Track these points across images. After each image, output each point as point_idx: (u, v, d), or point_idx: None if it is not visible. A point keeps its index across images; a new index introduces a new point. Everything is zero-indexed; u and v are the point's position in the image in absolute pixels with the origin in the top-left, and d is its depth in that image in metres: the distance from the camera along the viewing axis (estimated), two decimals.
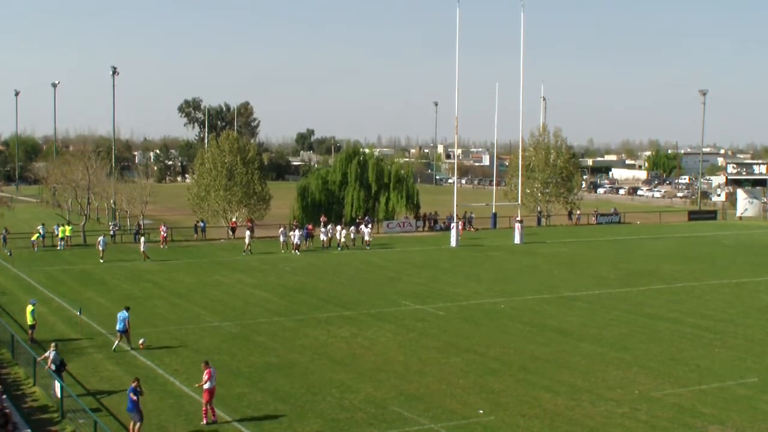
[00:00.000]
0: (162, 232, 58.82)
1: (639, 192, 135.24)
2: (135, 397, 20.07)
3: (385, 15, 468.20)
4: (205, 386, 21.23)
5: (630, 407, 22.55)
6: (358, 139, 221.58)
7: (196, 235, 63.07)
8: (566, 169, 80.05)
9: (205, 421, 21.06)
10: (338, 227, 59.24)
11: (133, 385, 20.40)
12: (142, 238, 53.24)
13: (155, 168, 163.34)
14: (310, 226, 60.85)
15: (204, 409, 21.23)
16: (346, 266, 49.20)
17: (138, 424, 20.08)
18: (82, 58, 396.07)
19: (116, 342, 28.61)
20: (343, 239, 57.67)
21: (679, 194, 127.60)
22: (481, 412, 22.11)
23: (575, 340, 30.41)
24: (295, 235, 55.49)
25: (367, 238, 58.52)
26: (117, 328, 28.65)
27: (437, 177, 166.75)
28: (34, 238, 56.30)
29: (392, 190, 71.94)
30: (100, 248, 51.05)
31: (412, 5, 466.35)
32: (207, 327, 32.27)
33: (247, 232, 56.61)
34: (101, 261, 49.91)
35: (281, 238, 56.87)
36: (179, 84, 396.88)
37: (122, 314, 28.78)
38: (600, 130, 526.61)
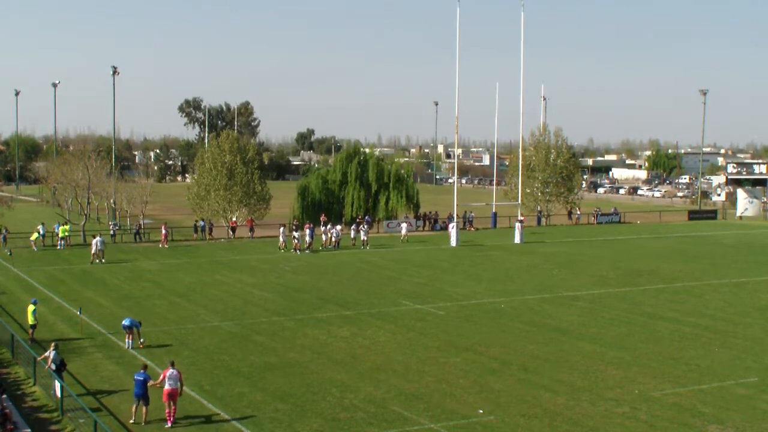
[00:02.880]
0: (163, 231, 58.72)
1: (639, 192, 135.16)
2: (150, 382, 21.43)
3: (385, 15, 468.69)
4: (164, 387, 21.06)
5: (630, 407, 22.57)
6: (358, 138, 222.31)
7: (195, 235, 62.81)
8: (566, 168, 79.98)
9: (168, 423, 20.87)
10: (335, 227, 59.29)
11: (143, 370, 21.76)
12: (95, 240, 50.69)
13: (155, 168, 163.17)
14: (308, 226, 60.88)
15: (167, 410, 21.05)
16: (346, 266, 49.19)
17: (145, 408, 21.04)
18: (82, 58, 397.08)
19: (139, 339, 28.96)
20: (334, 239, 57.66)
21: (680, 194, 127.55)
22: (481, 411, 22.13)
23: (575, 339, 30.42)
24: (297, 235, 55.62)
25: (363, 237, 58.50)
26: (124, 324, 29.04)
27: (437, 177, 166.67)
28: (33, 237, 56.25)
29: (392, 189, 71.89)
30: (94, 249, 49.74)
31: (412, 5, 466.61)
32: (207, 326, 32.28)
33: (282, 229, 57.36)
34: (99, 262, 49.27)
35: (281, 238, 56.87)
36: (179, 84, 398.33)
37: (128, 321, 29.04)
38: (600, 130, 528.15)
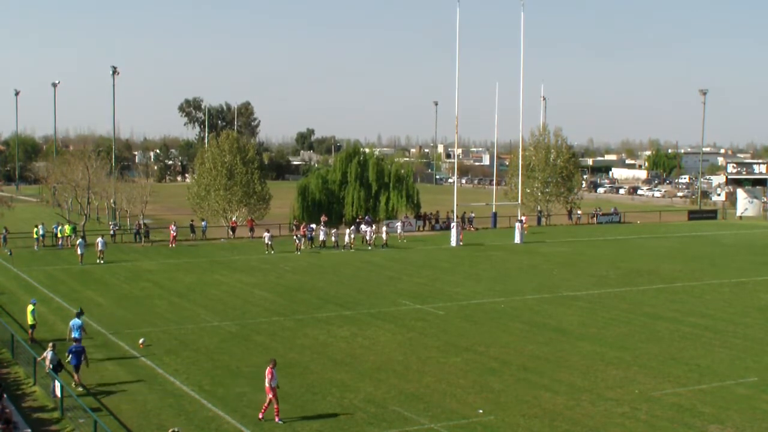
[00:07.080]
0: (172, 232, 58.67)
1: (639, 191, 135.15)
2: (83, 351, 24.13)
3: (385, 15, 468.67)
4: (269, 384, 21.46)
5: (630, 407, 22.56)
6: (358, 138, 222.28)
7: (193, 235, 62.30)
8: (566, 168, 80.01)
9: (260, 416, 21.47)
10: (330, 228, 59.62)
11: (76, 343, 24.58)
12: (80, 241, 50.23)
13: (155, 168, 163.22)
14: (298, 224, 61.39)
15: (265, 406, 21.51)
16: (346, 266, 49.18)
17: (77, 375, 23.90)
18: (82, 58, 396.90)
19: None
20: (324, 238, 58.10)
21: (679, 194, 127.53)
22: (481, 411, 22.11)
23: (575, 339, 30.41)
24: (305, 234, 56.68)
25: (368, 237, 58.50)
26: (73, 335, 26.63)
27: (437, 176, 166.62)
28: (35, 236, 56.35)
29: (392, 189, 71.86)
30: (94, 250, 50.07)
31: (412, 5, 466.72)
32: (207, 326, 32.28)
33: (298, 229, 57.86)
34: (100, 261, 49.50)
35: (308, 235, 57.67)
36: (179, 84, 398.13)
37: (75, 322, 26.90)
38: (600, 129, 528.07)
